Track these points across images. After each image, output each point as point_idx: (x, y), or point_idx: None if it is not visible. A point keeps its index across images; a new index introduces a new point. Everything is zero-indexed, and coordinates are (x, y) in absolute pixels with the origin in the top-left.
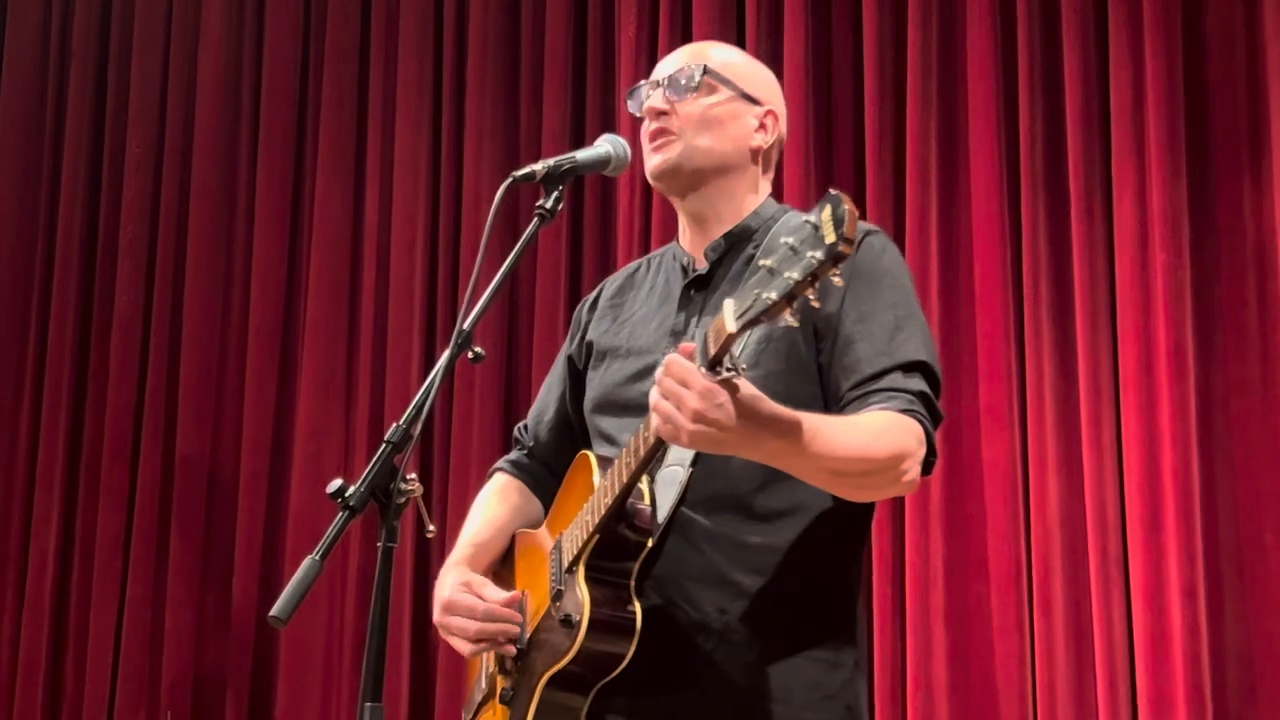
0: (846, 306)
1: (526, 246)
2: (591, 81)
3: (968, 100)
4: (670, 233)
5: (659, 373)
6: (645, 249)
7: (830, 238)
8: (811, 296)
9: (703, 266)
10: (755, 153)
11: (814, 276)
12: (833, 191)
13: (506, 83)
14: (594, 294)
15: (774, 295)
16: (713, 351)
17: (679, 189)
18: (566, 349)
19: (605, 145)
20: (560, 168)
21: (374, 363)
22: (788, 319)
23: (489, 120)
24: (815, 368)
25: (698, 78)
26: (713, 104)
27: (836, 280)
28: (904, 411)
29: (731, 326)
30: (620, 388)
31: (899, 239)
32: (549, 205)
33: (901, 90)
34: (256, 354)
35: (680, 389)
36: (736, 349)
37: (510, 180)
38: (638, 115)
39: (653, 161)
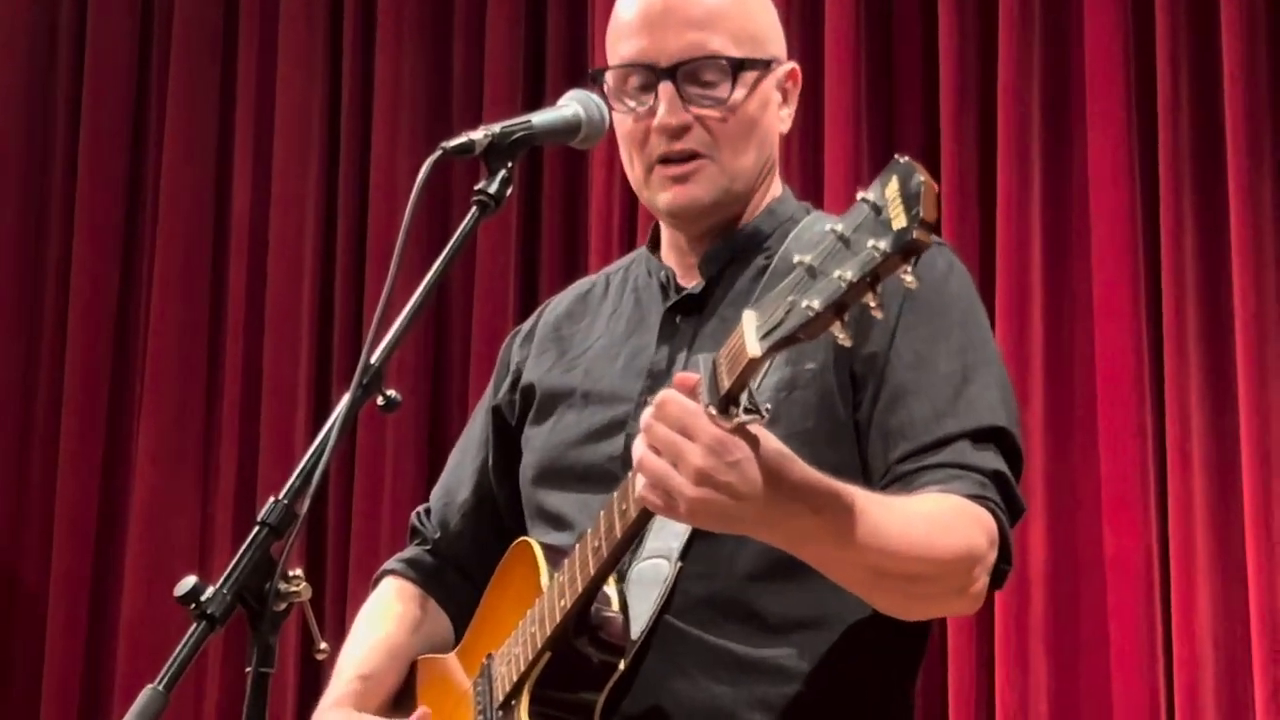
0: (899, 345)
1: (461, 247)
2: (555, 9)
3: (1083, 44)
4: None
5: (647, 416)
6: (630, 248)
7: (900, 220)
8: (873, 304)
9: (694, 283)
10: (781, 139)
11: (875, 276)
12: (900, 159)
13: (433, 11)
14: (529, 322)
15: (817, 304)
16: (726, 385)
17: (709, 226)
18: (490, 399)
19: (573, 105)
20: (509, 136)
21: (243, 412)
22: (838, 338)
23: (409, 65)
24: (853, 427)
25: (722, 72)
26: (746, 99)
27: (908, 280)
28: (973, 497)
29: (755, 349)
30: (575, 449)
31: (986, 239)
32: (493, 190)
33: (990, 31)
34: (74, 402)
35: (679, 439)
36: (756, 383)
37: (439, 153)
38: (615, 103)
39: (675, 197)
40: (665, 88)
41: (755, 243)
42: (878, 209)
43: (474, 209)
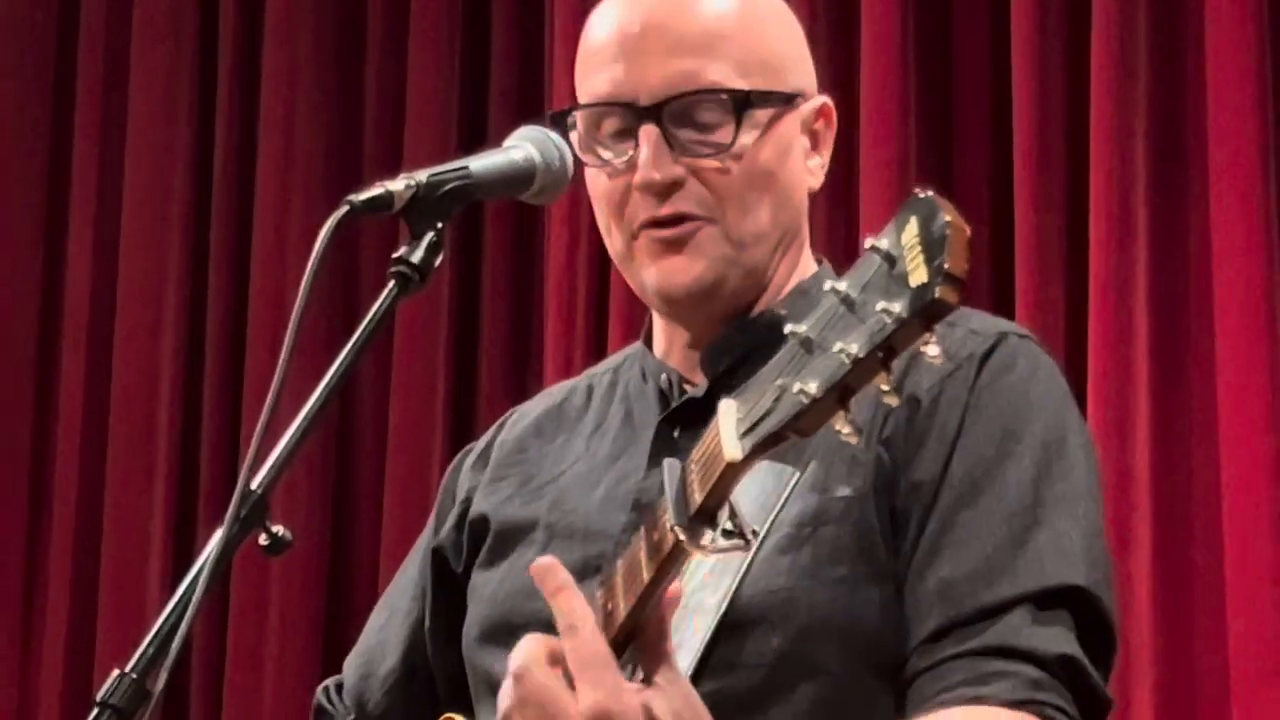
0: (954, 470)
1: (373, 335)
2: (502, 23)
3: (1204, 73)
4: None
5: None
6: (596, 344)
7: (919, 274)
8: (885, 388)
9: (696, 385)
10: (810, 197)
11: (887, 350)
12: (921, 193)
13: (335, 29)
14: (485, 438)
15: (813, 388)
16: (698, 499)
17: (710, 312)
18: (429, 538)
19: (524, 147)
20: (440, 188)
21: (77, 558)
22: (841, 433)
23: (304, 99)
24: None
25: (724, 110)
26: (757, 144)
27: (931, 355)
28: (1017, 705)
29: (734, 450)
30: (534, 599)
31: (1075, 330)
32: (416, 259)
33: (1079, 55)
34: None
35: (541, 669)
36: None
37: (344, 210)
38: (586, 157)
39: (665, 273)
40: (648, 132)
41: (778, 333)
42: (891, 259)
43: (391, 284)
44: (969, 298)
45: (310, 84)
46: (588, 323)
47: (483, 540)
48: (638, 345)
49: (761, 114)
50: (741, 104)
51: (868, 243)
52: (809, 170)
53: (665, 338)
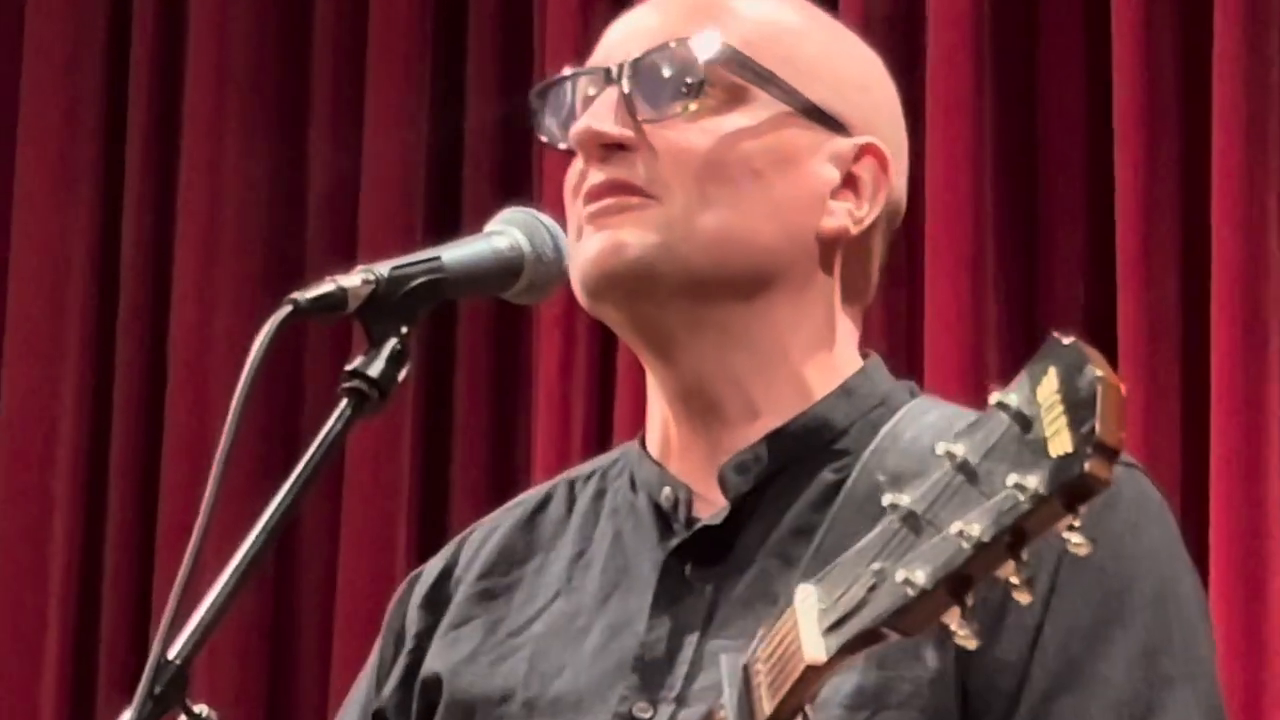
0: (1045, 644)
1: (322, 465)
2: (481, 67)
3: None
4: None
5: None
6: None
7: (1062, 442)
8: (1015, 581)
9: (713, 510)
10: (831, 245)
11: (1019, 535)
12: (1063, 339)
13: (273, 71)
14: (438, 563)
15: (922, 578)
16: (767, 711)
17: (649, 322)
18: (366, 692)
19: (510, 233)
20: (405, 283)
21: None
22: (956, 635)
23: (233, 156)
24: None
25: (698, 65)
26: (737, 130)
27: (1075, 542)
28: None
29: (817, 652)
30: None
31: (1194, 462)
32: (375, 371)
33: (1199, 90)
34: None
35: None
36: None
37: (286, 311)
38: (559, 145)
39: (591, 250)
40: (609, 91)
41: (821, 442)
42: (1025, 421)
43: (344, 404)
44: None
45: (240, 150)
46: (585, 451)
47: (435, 708)
48: (629, 445)
49: (764, 103)
50: (736, 62)
51: (994, 398)
52: (827, 208)
53: (663, 431)
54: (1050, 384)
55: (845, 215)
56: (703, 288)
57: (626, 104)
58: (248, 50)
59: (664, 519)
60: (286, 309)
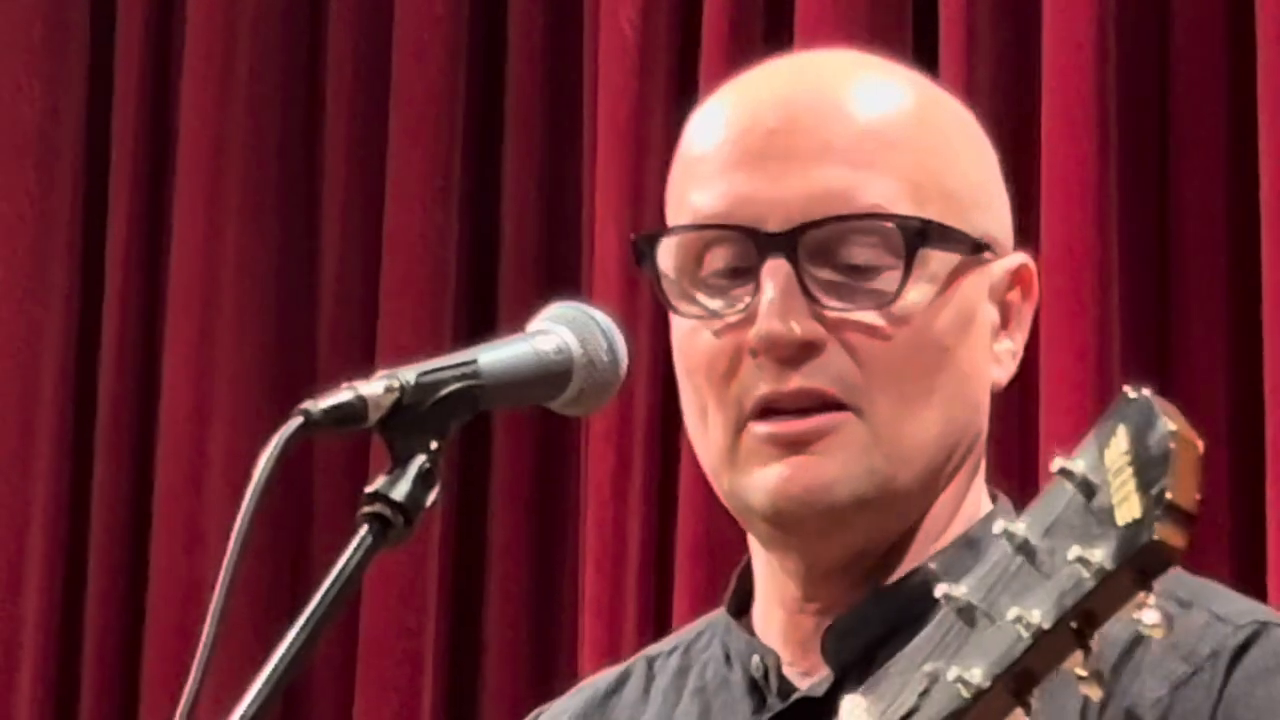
0: None
1: (339, 602)
2: (522, 137)
3: None
4: (731, 552)
5: None
6: (656, 620)
7: (1130, 508)
8: (1081, 673)
9: (814, 679)
10: (994, 396)
11: (1086, 619)
12: (1134, 393)
13: (278, 143)
14: None
15: (977, 675)
16: None
17: (837, 546)
18: None
19: (558, 332)
20: (434, 391)
21: None
22: None
23: (232, 243)
24: None
25: (896, 236)
26: (925, 306)
27: (1149, 624)
28: None
29: None
30: None
31: None
32: (400, 494)
33: None
34: None
35: None
36: None
37: (298, 423)
38: (678, 310)
39: (784, 482)
40: (776, 269)
41: (934, 601)
42: (1090, 488)
43: (363, 532)
44: (1205, 545)
45: (240, 231)
46: (642, 590)
47: None
48: (719, 614)
49: (939, 261)
50: (915, 239)
51: (1056, 464)
52: (996, 356)
53: (765, 603)
54: (1119, 445)
55: (1009, 358)
56: (900, 506)
57: (804, 289)
58: (249, 115)
59: (757, 690)
60: (296, 422)
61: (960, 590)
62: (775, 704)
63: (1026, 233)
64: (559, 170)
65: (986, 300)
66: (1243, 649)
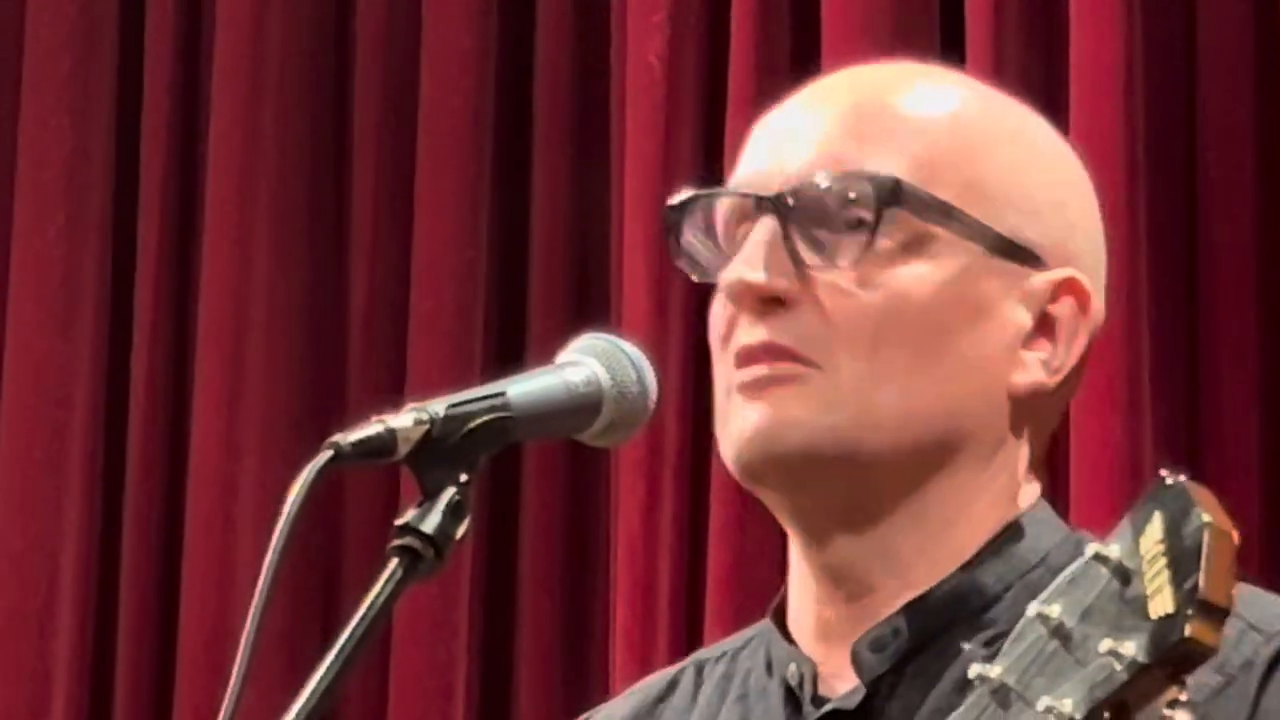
0: None
1: (368, 637)
2: (550, 153)
3: None
4: (762, 583)
5: None
6: (686, 644)
7: (1164, 601)
8: None
9: (843, 691)
10: (1023, 403)
11: (1116, 709)
12: (1170, 479)
13: (311, 154)
14: None
15: None
16: None
17: (809, 509)
18: None
19: (588, 364)
20: (464, 424)
21: None
22: None
23: (261, 277)
24: None
25: (874, 202)
26: (918, 280)
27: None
28: None
29: None
30: None
31: None
32: (431, 527)
33: None
34: None
35: None
36: None
37: (327, 457)
38: (694, 276)
39: (747, 426)
40: (763, 224)
41: (968, 611)
42: (1125, 575)
43: (394, 565)
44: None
45: (270, 265)
46: (673, 621)
47: None
48: (763, 624)
49: (943, 239)
50: (886, 196)
51: (1090, 549)
52: (1020, 361)
53: (799, 601)
54: (1154, 532)
55: (1040, 367)
56: (874, 472)
57: (787, 246)
58: (277, 148)
59: (793, 699)
60: (326, 455)
61: (995, 671)
62: (811, 712)
63: None
64: (587, 202)
65: (1016, 303)
66: (1277, 659)
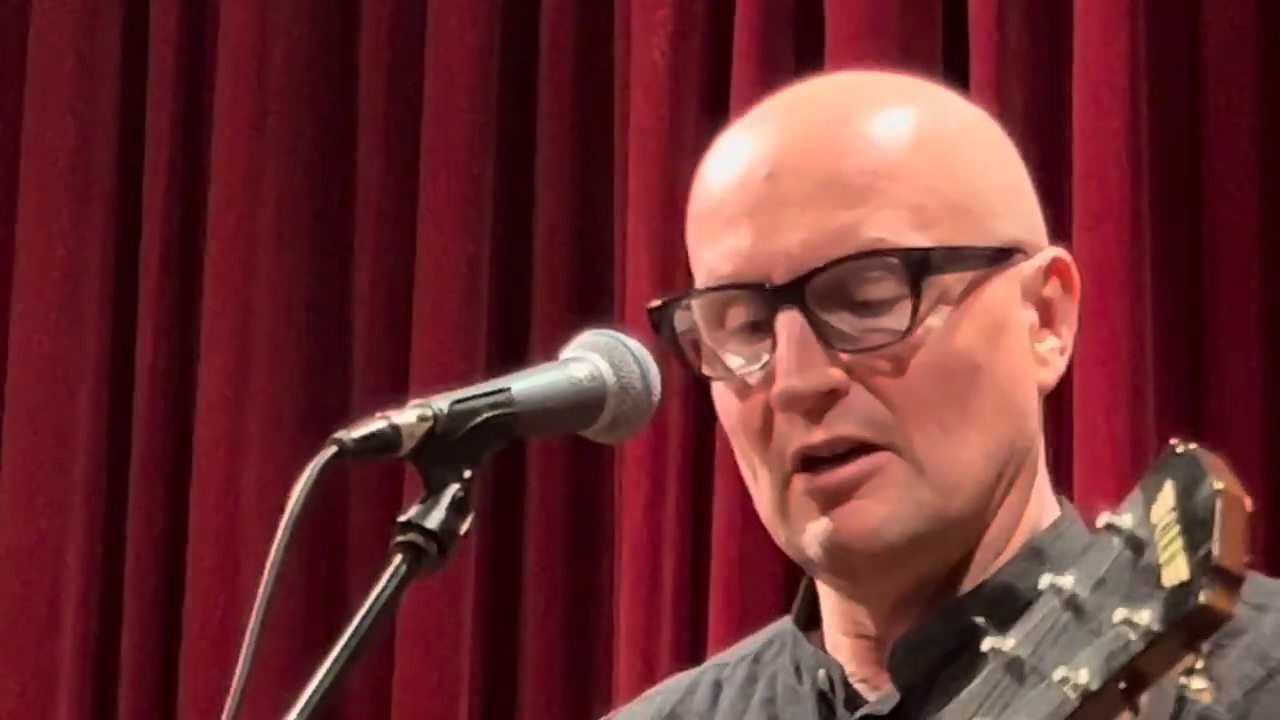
0: None
1: (372, 633)
2: (554, 151)
3: None
4: (766, 577)
5: None
6: (691, 643)
7: (1177, 569)
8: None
9: (880, 694)
10: (1045, 395)
11: (1134, 680)
12: (1179, 447)
13: (314, 152)
14: None
15: None
16: None
17: (896, 578)
18: None
19: (591, 360)
20: (468, 420)
21: None
22: None
23: (265, 274)
24: None
25: (903, 276)
26: (947, 329)
27: (1195, 688)
28: None
29: None
30: None
31: None
32: (434, 523)
33: None
34: None
35: None
36: None
37: (331, 453)
38: (699, 370)
39: (834, 534)
40: (787, 321)
41: (1004, 614)
42: (1138, 545)
43: (397, 560)
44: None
45: (273, 262)
46: (677, 615)
47: None
48: (785, 624)
49: (954, 281)
50: (919, 269)
51: (1103, 519)
52: (1039, 357)
53: (831, 616)
54: (1166, 501)
55: (1055, 357)
56: (959, 529)
57: (819, 336)
58: (281, 145)
59: (825, 703)
60: (330, 451)
61: (1008, 644)
62: (845, 716)
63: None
64: (591, 198)
65: (1020, 303)
66: None
